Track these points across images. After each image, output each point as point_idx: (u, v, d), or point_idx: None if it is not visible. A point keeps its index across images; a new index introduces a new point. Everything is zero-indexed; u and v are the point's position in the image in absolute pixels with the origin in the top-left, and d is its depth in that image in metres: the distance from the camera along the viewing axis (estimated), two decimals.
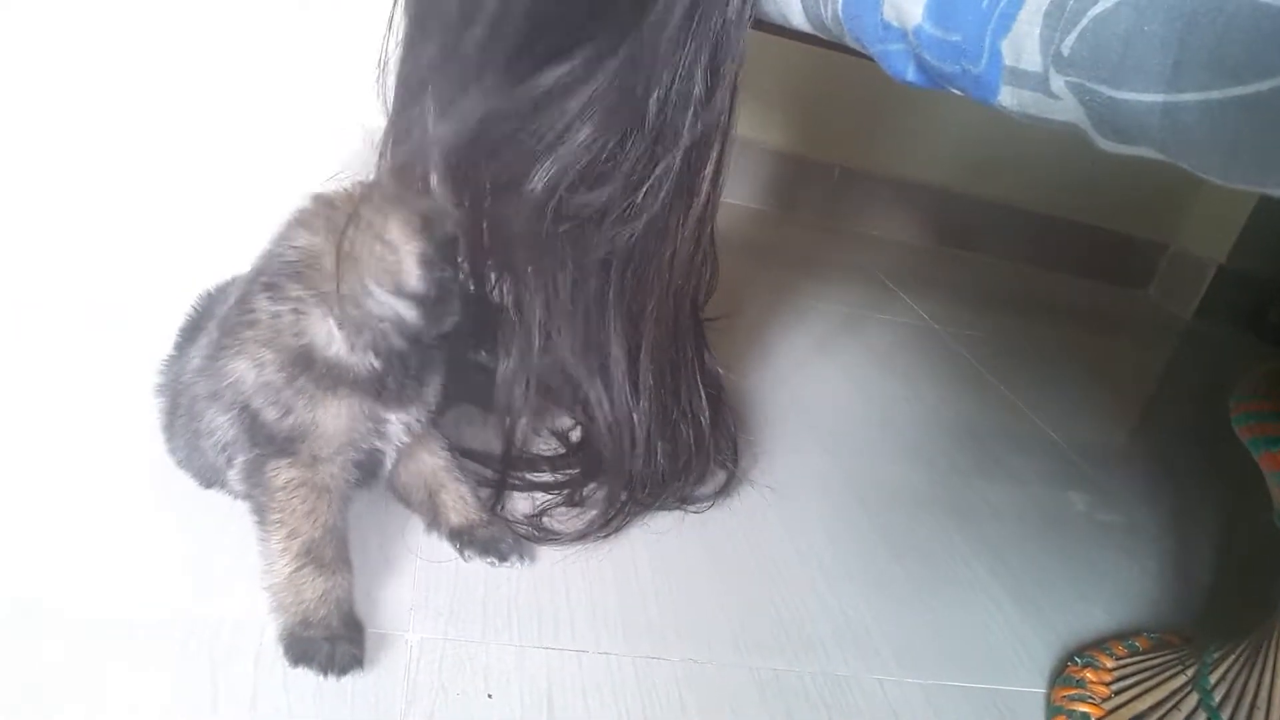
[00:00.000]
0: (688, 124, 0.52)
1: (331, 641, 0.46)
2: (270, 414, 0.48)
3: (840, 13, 0.47)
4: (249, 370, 0.48)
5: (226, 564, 0.51)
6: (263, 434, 0.48)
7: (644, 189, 0.54)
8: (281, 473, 0.48)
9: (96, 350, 0.67)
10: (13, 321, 0.69)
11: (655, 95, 0.51)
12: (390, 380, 0.50)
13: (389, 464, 0.54)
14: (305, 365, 0.48)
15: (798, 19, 0.51)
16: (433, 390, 0.54)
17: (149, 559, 0.50)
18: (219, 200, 1.04)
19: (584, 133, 0.51)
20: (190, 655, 0.45)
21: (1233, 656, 0.52)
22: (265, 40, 1.29)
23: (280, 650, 0.46)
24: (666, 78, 0.51)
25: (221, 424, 0.50)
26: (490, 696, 0.48)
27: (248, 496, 0.50)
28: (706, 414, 0.66)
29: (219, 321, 0.52)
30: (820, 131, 1.64)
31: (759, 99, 1.57)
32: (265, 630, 0.47)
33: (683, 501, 0.67)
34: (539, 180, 0.52)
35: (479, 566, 0.57)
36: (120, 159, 1.07)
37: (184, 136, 1.18)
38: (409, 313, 0.48)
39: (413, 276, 0.47)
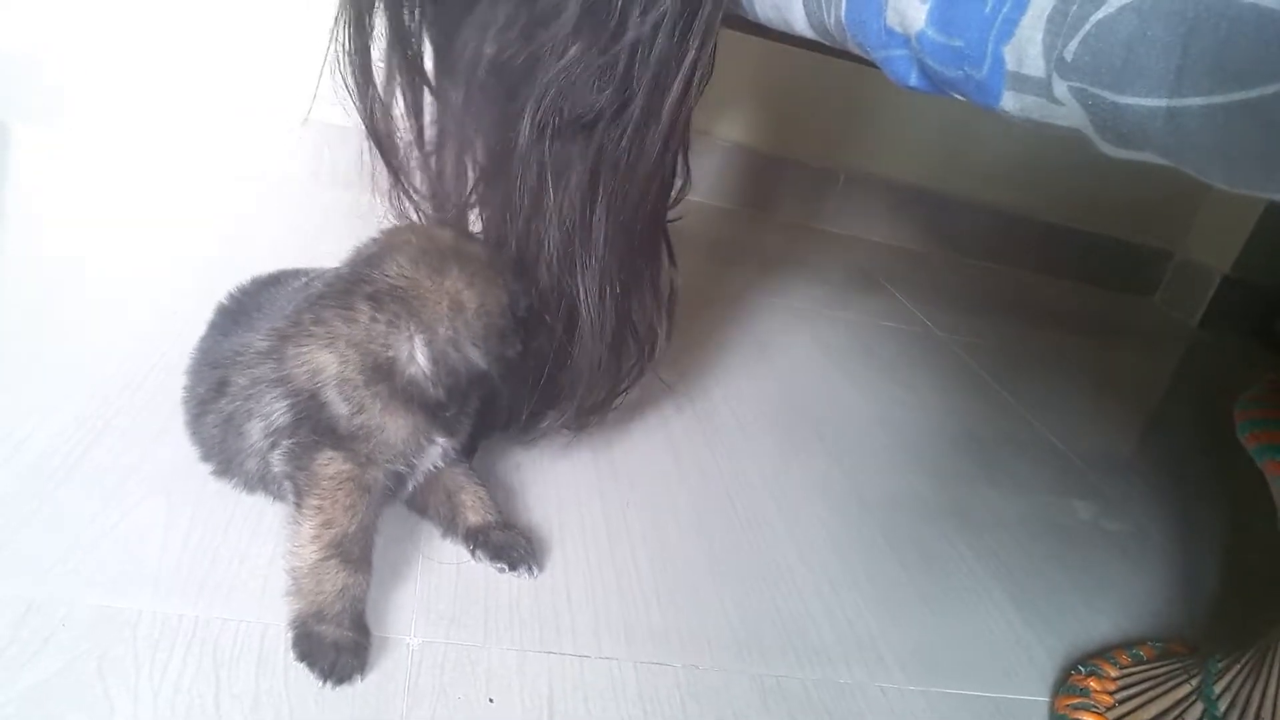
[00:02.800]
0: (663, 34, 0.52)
1: (337, 650, 0.46)
2: (342, 408, 0.50)
3: (843, 18, 0.47)
4: (332, 363, 0.51)
5: (230, 565, 0.51)
6: (325, 425, 0.50)
7: (629, 89, 0.54)
8: (334, 464, 0.49)
9: (90, 343, 0.68)
10: (13, 311, 0.69)
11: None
12: (450, 409, 0.55)
13: (412, 484, 0.56)
14: (385, 375, 0.51)
15: (800, 24, 0.51)
16: (468, 423, 0.59)
17: (153, 559, 0.50)
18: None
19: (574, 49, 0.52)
20: (193, 656, 0.45)
21: (1238, 666, 0.52)
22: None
23: (290, 638, 0.47)
24: None
25: (279, 408, 0.51)
26: (491, 701, 0.48)
27: (288, 478, 0.50)
28: (663, 324, 0.69)
29: (300, 310, 0.53)
30: (825, 138, 1.64)
31: (772, 111, 1.58)
32: (267, 632, 0.47)
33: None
34: (540, 94, 0.54)
35: (481, 570, 0.57)
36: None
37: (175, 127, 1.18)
38: (482, 364, 0.55)
39: (498, 341, 0.55)
